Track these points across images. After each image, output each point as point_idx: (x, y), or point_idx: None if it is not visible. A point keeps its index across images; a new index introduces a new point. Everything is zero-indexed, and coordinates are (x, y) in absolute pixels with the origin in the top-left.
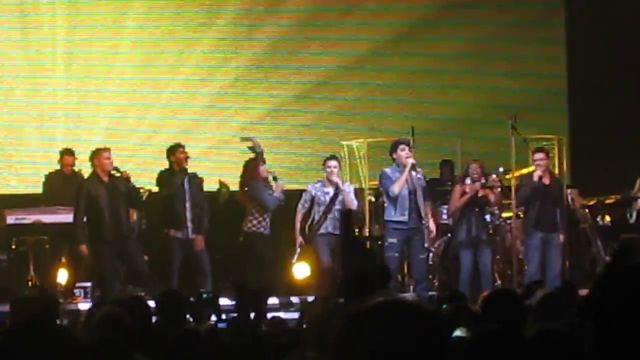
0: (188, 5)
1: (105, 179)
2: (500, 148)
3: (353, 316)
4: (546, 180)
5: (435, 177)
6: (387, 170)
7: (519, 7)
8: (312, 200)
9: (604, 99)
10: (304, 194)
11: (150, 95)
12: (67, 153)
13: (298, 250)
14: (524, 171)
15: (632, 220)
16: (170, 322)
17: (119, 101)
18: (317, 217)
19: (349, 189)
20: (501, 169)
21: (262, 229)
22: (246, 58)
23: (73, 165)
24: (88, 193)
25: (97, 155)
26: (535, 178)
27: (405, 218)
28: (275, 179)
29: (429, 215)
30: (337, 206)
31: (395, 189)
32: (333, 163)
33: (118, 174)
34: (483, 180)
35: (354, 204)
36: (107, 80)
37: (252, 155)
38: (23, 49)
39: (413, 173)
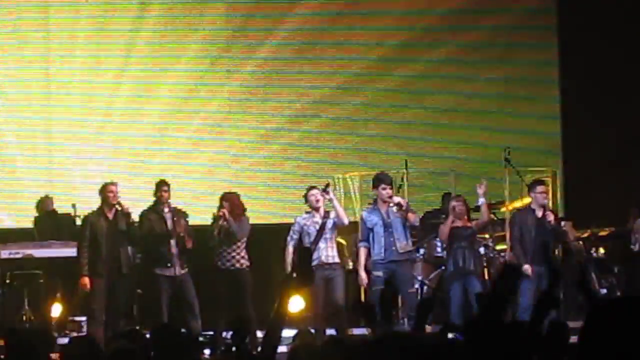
0: (180, 37)
1: (109, 214)
2: (493, 181)
3: (356, 349)
4: (539, 213)
5: (433, 208)
6: (364, 213)
7: (513, 42)
8: (301, 231)
9: (596, 132)
10: (292, 226)
11: (143, 127)
12: (46, 199)
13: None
14: (518, 204)
15: (637, 248)
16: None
17: (112, 134)
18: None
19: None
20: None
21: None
22: (238, 89)
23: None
24: (90, 227)
25: (101, 189)
26: (550, 219)
27: (381, 255)
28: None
29: (409, 247)
30: (328, 234)
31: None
32: (314, 191)
33: (119, 208)
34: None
35: (344, 220)
36: (97, 112)
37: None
38: (16, 81)
39: (393, 209)
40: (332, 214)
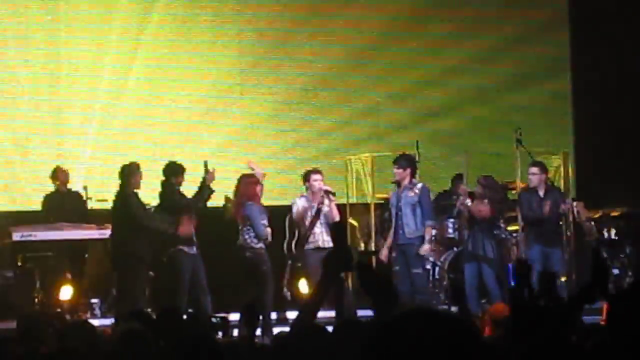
0: (190, 12)
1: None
2: (505, 161)
3: (383, 326)
4: (542, 193)
5: (444, 189)
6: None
7: (524, 22)
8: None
9: (608, 112)
10: (294, 207)
11: (153, 109)
12: (60, 171)
13: (289, 263)
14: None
15: None
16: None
17: (125, 116)
18: (302, 231)
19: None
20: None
21: (261, 244)
22: (247, 65)
23: (66, 182)
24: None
25: (131, 171)
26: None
27: (393, 237)
28: None
29: (429, 233)
30: (322, 219)
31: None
32: (318, 177)
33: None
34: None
35: (336, 218)
36: (108, 93)
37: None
38: (27, 65)
39: (405, 191)
40: (326, 201)
